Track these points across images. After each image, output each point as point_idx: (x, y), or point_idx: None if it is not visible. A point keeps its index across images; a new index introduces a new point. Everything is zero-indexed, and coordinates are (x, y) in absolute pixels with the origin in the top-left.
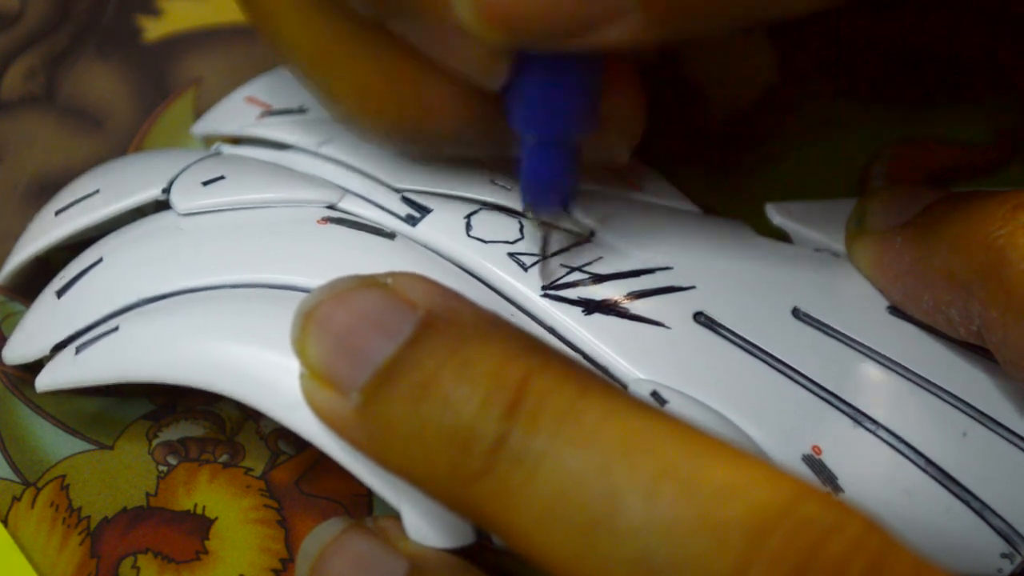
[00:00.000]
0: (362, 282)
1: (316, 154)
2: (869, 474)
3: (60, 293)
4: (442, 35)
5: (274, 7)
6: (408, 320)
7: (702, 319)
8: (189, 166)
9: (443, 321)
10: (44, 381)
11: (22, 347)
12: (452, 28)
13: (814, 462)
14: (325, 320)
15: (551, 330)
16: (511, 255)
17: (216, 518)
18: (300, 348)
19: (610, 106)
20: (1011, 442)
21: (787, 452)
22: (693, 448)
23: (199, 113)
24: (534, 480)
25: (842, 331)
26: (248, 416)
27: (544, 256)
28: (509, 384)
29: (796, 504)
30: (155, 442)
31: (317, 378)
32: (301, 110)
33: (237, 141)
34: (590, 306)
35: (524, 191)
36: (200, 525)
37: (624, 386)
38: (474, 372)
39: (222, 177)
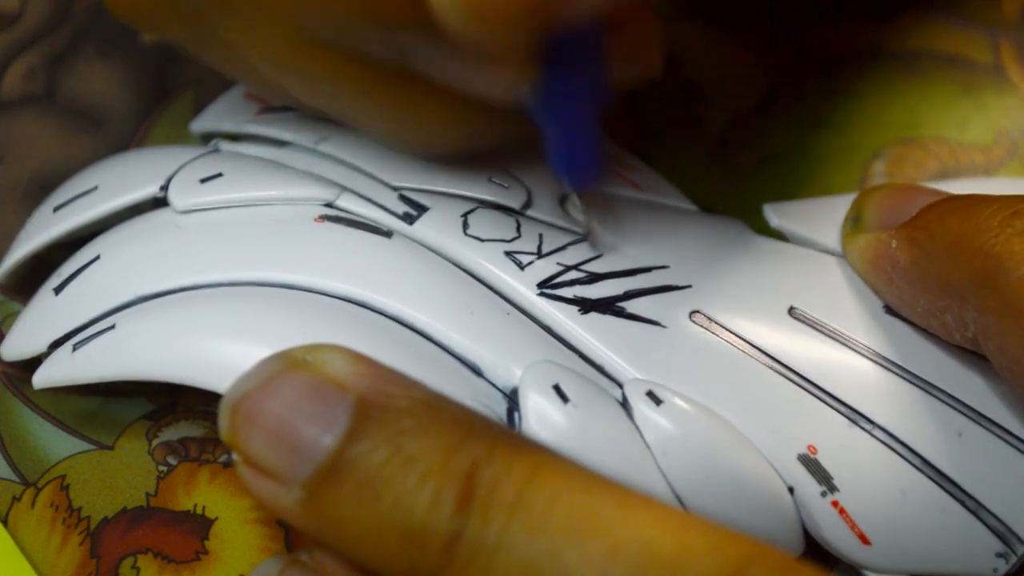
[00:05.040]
0: (285, 365)
1: (314, 151)
2: (864, 473)
3: (58, 290)
4: (467, 65)
5: (332, 71)
6: (341, 407)
7: (698, 318)
8: (187, 163)
9: (378, 409)
10: (41, 378)
11: (20, 344)
12: (475, 55)
13: (809, 461)
14: (254, 414)
15: (547, 329)
16: (508, 254)
17: (216, 518)
18: (232, 441)
19: (639, 30)
20: (1007, 442)
21: (782, 451)
22: (640, 522)
23: (199, 113)
24: (492, 570)
25: (838, 330)
26: None
27: (596, 231)
28: (457, 476)
29: (744, 570)
30: (155, 442)
31: (254, 467)
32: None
33: (236, 137)
34: (586, 305)
35: (561, 173)
36: (200, 525)
37: (620, 385)
38: (420, 468)
39: (220, 175)
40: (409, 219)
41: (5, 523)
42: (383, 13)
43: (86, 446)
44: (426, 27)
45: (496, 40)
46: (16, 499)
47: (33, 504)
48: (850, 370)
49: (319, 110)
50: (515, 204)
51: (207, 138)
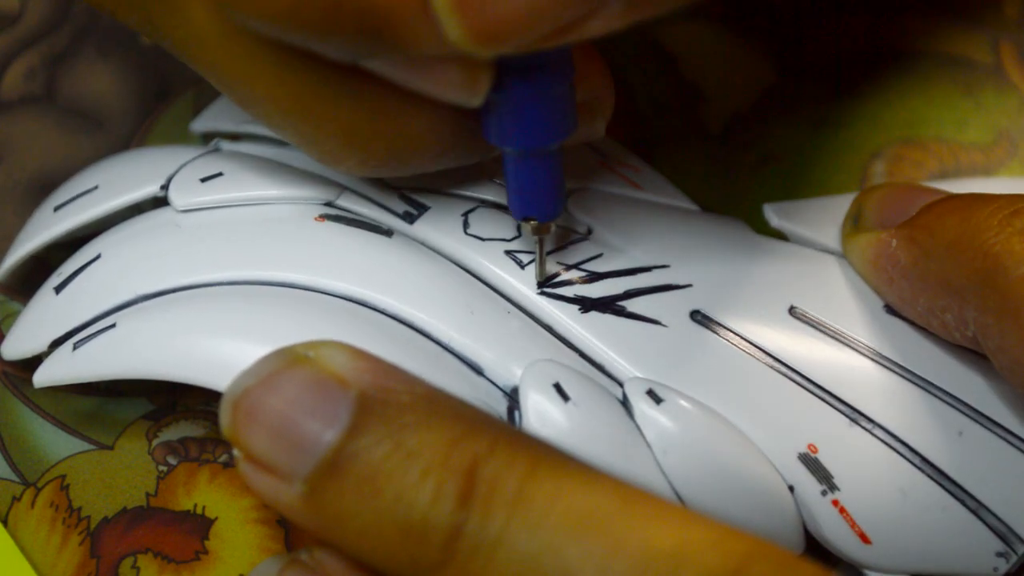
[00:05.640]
0: (287, 361)
1: None
2: (865, 472)
3: (58, 289)
4: (420, 64)
5: (243, 69)
6: (342, 402)
7: (699, 317)
8: (188, 162)
9: (380, 404)
10: (42, 376)
11: (20, 342)
12: (429, 55)
13: (810, 460)
14: (256, 410)
15: (548, 328)
16: (508, 253)
17: (216, 518)
18: (233, 437)
19: (580, 88)
20: (1007, 441)
21: (782, 450)
22: (641, 518)
23: (199, 113)
24: (492, 565)
25: (838, 329)
26: None
27: (541, 264)
28: (458, 471)
29: (745, 567)
30: (155, 442)
31: (255, 463)
32: None
33: (236, 137)
34: (587, 304)
35: (515, 203)
36: (200, 525)
37: (620, 384)
38: (422, 463)
39: (220, 174)
40: (409, 218)
41: (5, 523)
42: (330, 20)
43: (86, 446)
44: (378, 32)
45: (487, 55)
46: (16, 499)
47: (33, 504)
48: (850, 369)
49: (278, 127)
50: None
51: (207, 138)
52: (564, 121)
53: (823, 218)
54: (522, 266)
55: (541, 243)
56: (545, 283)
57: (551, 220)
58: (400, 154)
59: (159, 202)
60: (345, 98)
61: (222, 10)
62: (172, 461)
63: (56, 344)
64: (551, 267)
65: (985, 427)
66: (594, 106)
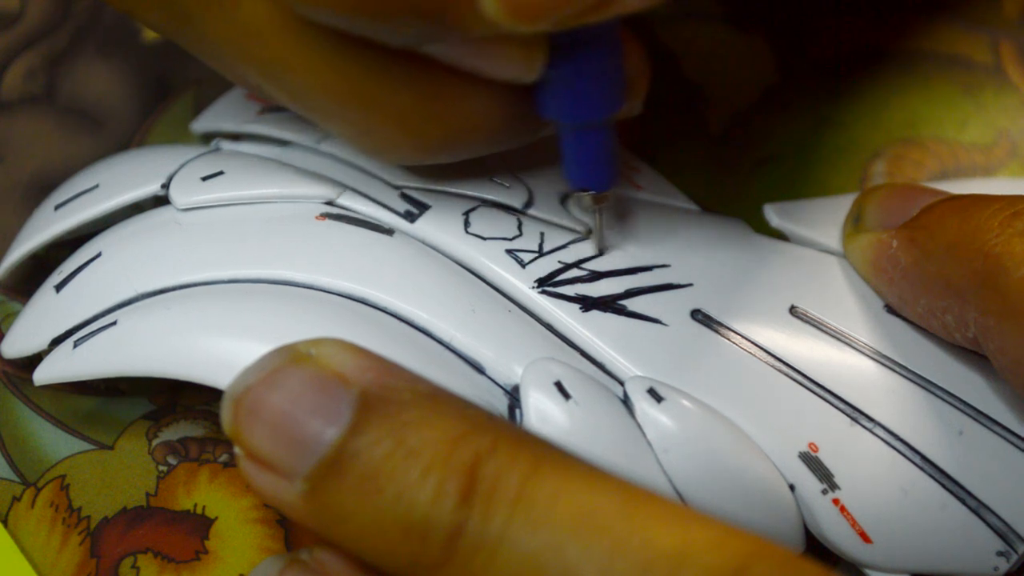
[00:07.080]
0: (288, 358)
1: (315, 150)
2: (865, 471)
3: (59, 287)
4: (477, 44)
5: (300, 61)
6: (344, 400)
7: (699, 317)
8: (188, 161)
9: (381, 401)
10: (42, 374)
11: (21, 341)
12: (484, 35)
13: (810, 459)
14: (257, 407)
15: (548, 326)
16: (509, 252)
17: (216, 518)
18: (234, 435)
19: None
20: (1008, 440)
21: (783, 449)
22: (643, 517)
23: (199, 113)
24: (494, 564)
25: (839, 329)
26: None
27: (600, 234)
28: (460, 470)
29: (747, 567)
30: (155, 442)
31: (256, 461)
32: None
33: (237, 137)
34: (587, 303)
35: (572, 176)
36: (200, 525)
37: (621, 383)
38: (423, 461)
39: (221, 173)
40: (411, 217)
41: (5, 523)
42: (394, 8)
43: (86, 446)
44: (438, 15)
45: (527, 32)
46: (16, 499)
47: (33, 504)
48: (851, 368)
49: (331, 119)
50: (516, 203)
51: (208, 138)
52: (618, 93)
53: (823, 218)
54: (523, 265)
55: (599, 213)
56: (547, 281)
57: (607, 190)
58: (455, 137)
59: (160, 201)
60: (402, 83)
61: (278, 2)
62: (172, 461)
63: (56, 342)
64: (553, 265)
65: (985, 426)
66: (631, 84)
